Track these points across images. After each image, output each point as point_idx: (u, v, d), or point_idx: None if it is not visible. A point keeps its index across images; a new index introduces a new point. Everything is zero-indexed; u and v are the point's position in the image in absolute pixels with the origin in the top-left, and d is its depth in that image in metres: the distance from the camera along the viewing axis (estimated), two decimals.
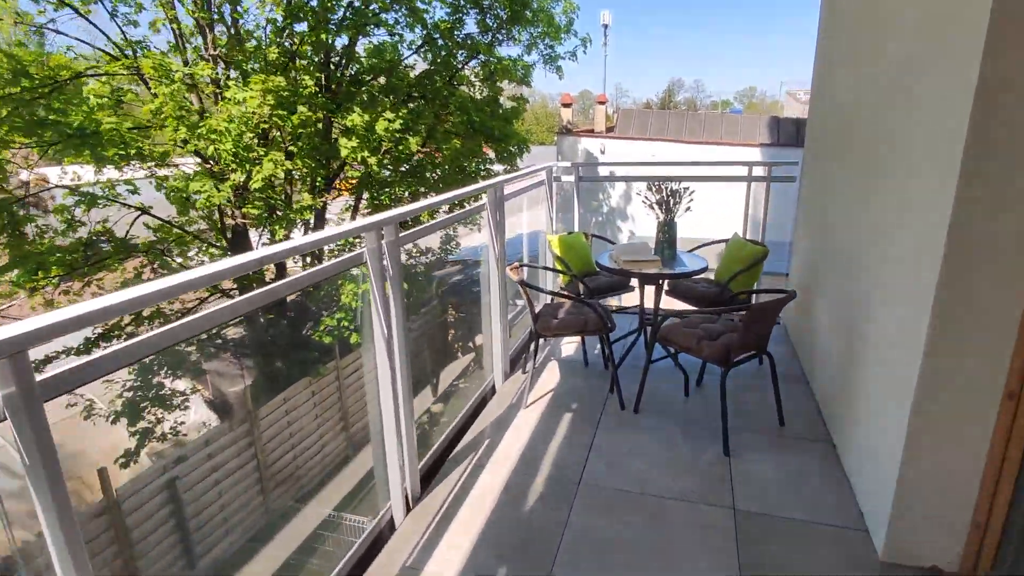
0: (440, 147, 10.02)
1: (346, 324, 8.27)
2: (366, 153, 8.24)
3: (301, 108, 7.39)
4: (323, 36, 7.93)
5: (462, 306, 12.45)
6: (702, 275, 3.97)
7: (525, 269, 3.46)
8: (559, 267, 3.96)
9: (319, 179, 8.31)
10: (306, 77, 7.66)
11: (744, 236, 4.51)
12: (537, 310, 3.40)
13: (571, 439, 3.00)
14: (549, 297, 3.68)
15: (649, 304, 3.62)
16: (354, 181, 8.65)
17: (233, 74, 7.44)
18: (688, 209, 3.42)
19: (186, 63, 6.81)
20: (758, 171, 4.39)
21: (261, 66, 7.04)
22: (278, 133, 7.78)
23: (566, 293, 3.34)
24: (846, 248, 2.87)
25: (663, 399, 3.36)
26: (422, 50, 10.37)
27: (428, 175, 10.10)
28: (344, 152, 7.84)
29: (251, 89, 6.56)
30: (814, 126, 3.88)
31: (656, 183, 3.41)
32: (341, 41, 9.30)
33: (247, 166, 6.73)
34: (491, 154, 12.13)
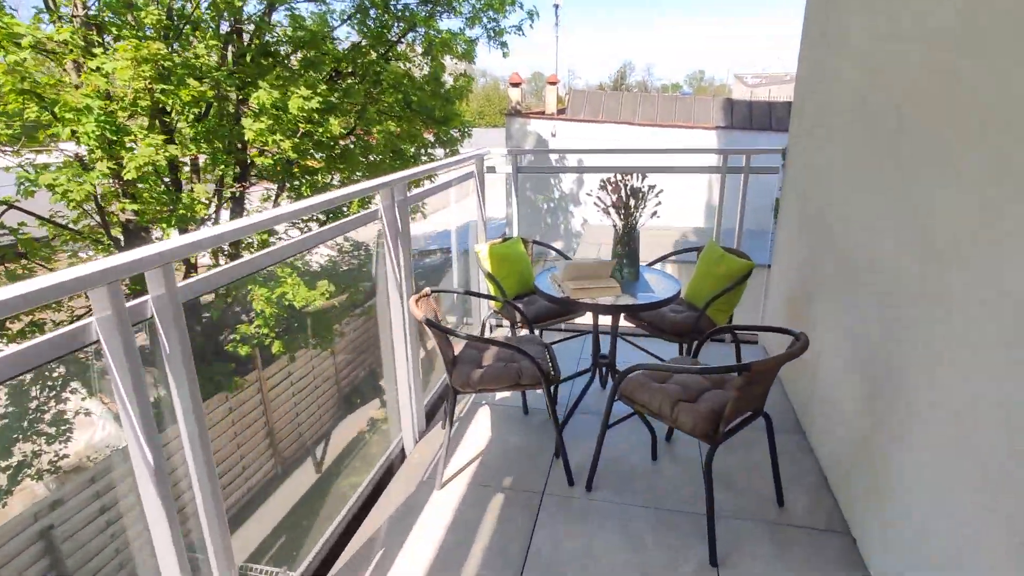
0: (369, 129, 8.91)
1: (265, 332, 7.17)
2: (278, 136, 7.08)
3: (192, 83, 6.17)
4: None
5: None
6: None
7: (435, 298, 2.55)
8: (491, 288, 3.07)
9: (226, 167, 7.10)
10: (199, 46, 6.42)
11: (716, 238, 3.73)
12: (457, 351, 2.51)
13: (501, 539, 2.14)
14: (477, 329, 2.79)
15: (606, 333, 2.78)
16: (267, 168, 7.45)
17: (108, 39, 6.13)
18: (655, 214, 2.59)
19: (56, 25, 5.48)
20: (733, 160, 3.59)
21: (133, 32, 5.76)
22: (171, 114, 6.53)
23: (490, 339, 2.45)
24: (872, 263, 2.10)
25: (624, 467, 2.54)
26: (352, 20, 9.17)
27: (360, 159, 8.98)
28: (249, 135, 6.67)
29: (119, 58, 5.32)
30: (805, 110, 3.10)
31: (612, 180, 2.55)
32: (257, 8, 8.05)
33: (121, 152, 5.51)
34: (432, 137, 11.10)
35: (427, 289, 2.55)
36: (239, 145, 7.24)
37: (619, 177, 2.54)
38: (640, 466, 2.55)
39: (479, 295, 2.81)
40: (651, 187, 2.54)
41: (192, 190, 6.14)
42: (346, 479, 7.57)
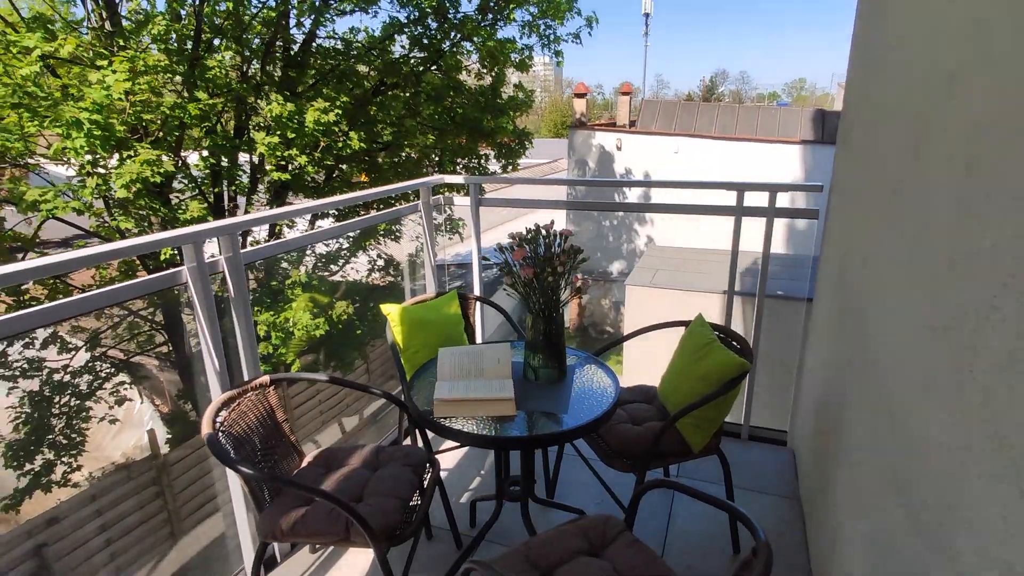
0: (404, 143, 8.42)
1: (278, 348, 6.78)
2: (293, 151, 6.73)
3: (202, 96, 5.92)
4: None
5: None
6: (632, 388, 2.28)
7: (280, 391, 1.83)
8: (404, 364, 2.31)
9: (238, 182, 6.85)
10: (215, 59, 6.18)
11: (728, 301, 2.76)
12: (304, 464, 1.78)
13: None
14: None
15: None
16: (279, 183, 7.13)
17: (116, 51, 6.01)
18: (580, 292, 1.73)
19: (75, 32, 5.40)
20: (753, 199, 2.61)
21: (134, 43, 5.56)
22: (178, 128, 6.33)
23: (291, 480, 1.70)
24: (895, 415, 1.15)
25: None
26: (407, 30, 8.74)
27: (389, 174, 8.53)
28: (261, 148, 6.34)
29: (116, 71, 5.11)
30: (853, 140, 2.10)
31: (528, 231, 1.72)
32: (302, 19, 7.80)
33: (115, 166, 5.30)
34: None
35: (264, 377, 1.85)
36: (255, 160, 6.98)
37: (535, 229, 1.71)
38: None
39: (349, 384, 2.05)
40: (572, 249, 1.69)
41: (186, 208, 5.85)
42: None
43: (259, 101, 6.63)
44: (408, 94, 8.97)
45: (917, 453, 1.08)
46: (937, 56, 1.19)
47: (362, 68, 8.83)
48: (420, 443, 2.18)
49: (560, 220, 15.44)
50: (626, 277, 8.67)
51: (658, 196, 13.16)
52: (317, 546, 2.16)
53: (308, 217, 8.68)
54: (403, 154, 8.79)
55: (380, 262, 9.38)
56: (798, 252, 10.79)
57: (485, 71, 9.68)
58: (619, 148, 14.86)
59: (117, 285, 1.61)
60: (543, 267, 1.69)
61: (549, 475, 2.37)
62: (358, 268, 9.46)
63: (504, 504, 1.96)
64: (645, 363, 2.28)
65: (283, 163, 7.08)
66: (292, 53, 7.82)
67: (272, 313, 6.56)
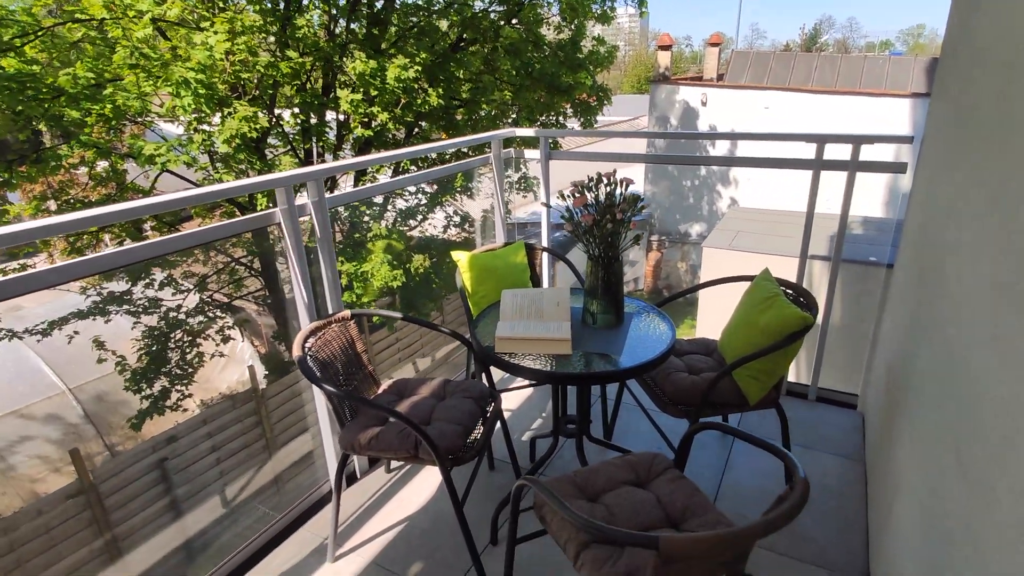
0: (479, 100, 8.46)
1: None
2: (375, 108, 6.97)
3: (292, 54, 6.23)
4: None
5: None
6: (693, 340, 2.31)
7: (355, 323, 2.03)
8: (471, 308, 2.46)
9: (326, 138, 7.21)
10: (304, 18, 6.45)
11: (801, 262, 2.67)
12: (381, 390, 1.99)
13: None
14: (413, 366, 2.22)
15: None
16: (363, 140, 7.42)
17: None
18: (637, 241, 1.76)
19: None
20: (838, 151, 2.47)
21: (232, 5, 5.90)
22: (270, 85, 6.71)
23: (369, 400, 1.88)
24: (966, 378, 1.14)
25: (553, 566, 1.85)
26: None
27: (466, 132, 8.63)
28: (344, 106, 6.62)
29: (216, 32, 5.47)
30: (949, 90, 1.94)
31: (589, 179, 1.77)
32: None
33: (219, 121, 5.75)
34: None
35: (346, 312, 2.05)
36: (341, 117, 7.29)
37: (596, 178, 1.75)
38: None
39: (422, 323, 2.21)
40: (634, 197, 1.72)
41: (280, 162, 6.26)
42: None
43: (344, 59, 6.88)
44: (487, 49, 8.95)
45: (975, 410, 1.07)
46: None
47: (443, 24, 8.88)
48: (485, 381, 2.34)
49: (638, 178, 14.98)
50: (704, 239, 8.41)
51: (743, 152, 12.44)
52: (391, 466, 2.40)
53: (390, 173, 9.02)
54: (481, 111, 8.84)
55: (456, 218, 9.63)
56: (887, 217, 9.96)
57: (565, 24, 9.44)
58: (704, 104, 14.10)
59: (221, 222, 1.83)
60: (603, 214, 1.74)
61: (607, 420, 2.47)
62: (435, 224, 9.76)
63: (562, 441, 2.08)
64: (718, 325, 2.29)
65: (366, 120, 7.36)
66: (376, 10, 7.98)
67: (355, 264, 6.97)
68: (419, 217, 9.22)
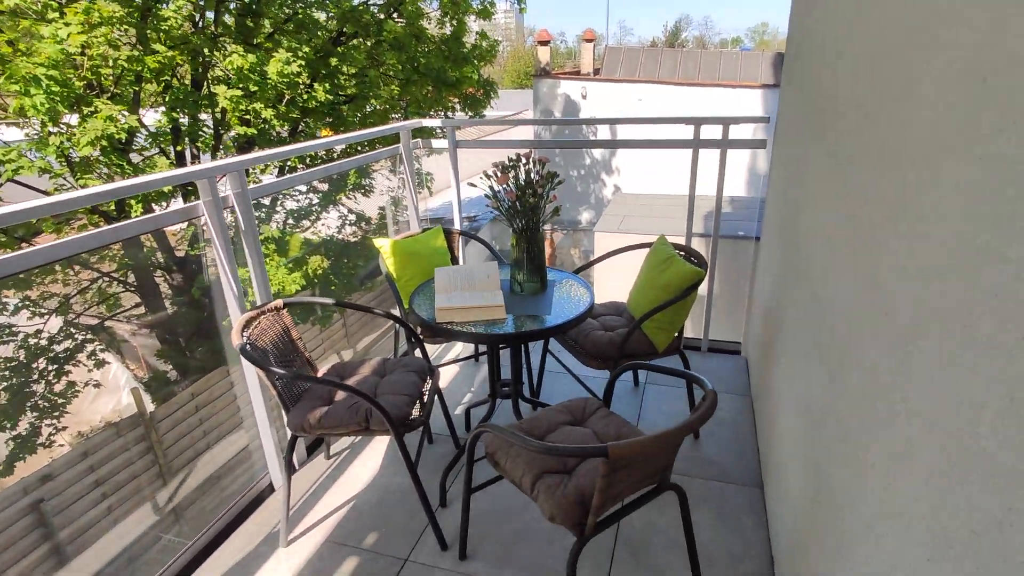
0: (366, 94, 8.34)
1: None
2: (259, 105, 6.66)
3: (160, 48, 5.79)
4: None
5: None
6: (605, 303, 2.57)
7: (286, 313, 2.05)
8: (399, 291, 2.54)
9: (202, 138, 6.77)
10: (170, 7, 6.00)
11: (688, 228, 3.06)
12: (307, 385, 2.03)
13: None
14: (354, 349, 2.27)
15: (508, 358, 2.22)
16: (255, 137, 7.06)
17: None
18: (556, 213, 1.98)
19: None
20: (709, 130, 2.87)
21: None
22: (140, 83, 6.18)
23: (317, 377, 1.94)
24: (828, 308, 1.46)
25: (514, 525, 2.02)
26: None
27: (355, 127, 8.48)
28: (223, 102, 6.27)
29: (68, 22, 4.96)
30: (794, 72, 2.35)
31: (508, 161, 1.95)
32: None
33: (78, 122, 5.22)
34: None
35: (278, 301, 2.06)
36: (218, 114, 6.88)
37: (516, 158, 1.94)
38: (534, 526, 2.02)
39: (355, 307, 2.29)
40: (552, 174, 1.93)
41: (154, 165, 5.81)
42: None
43: (216, 53, 6.49)
44: (370, 44, 8.83)
45: (830, 322, 1.38)
46: None
47: (320, 16, 8.62)
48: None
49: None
50: (594, 225, 8.96)
51: (623, 138, 13.32)
52: (331, 452, 2.43)
53: (276, 173, 8.61)
54: (368, 107, 8.72)
55: (352, 216, 9.42)
56: (753, 196, 11.23)
57: (446, 19, 9.55)
58: (584, 97, 14.87)
59: (139, 218, 1.77)
60: (523, 191, 1.92)
61: (534, 385, 2.68)
62: (328, 225, 9.48)
63: (499, 403, 2.25)
64: (616, 292, 2.58)
65: (247, 117, 7.00)
66: (247, 1, 7.58)
67: (246, 270, 6.63)
68: (312, 217, 8.93)
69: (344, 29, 8.56)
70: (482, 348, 2.92)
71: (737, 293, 4.01)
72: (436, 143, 3.31)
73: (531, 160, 1.92)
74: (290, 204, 8.80)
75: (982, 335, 0.65)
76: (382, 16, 8.74)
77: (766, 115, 2.82)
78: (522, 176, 1.94)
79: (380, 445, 2.51)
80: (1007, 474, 0.59)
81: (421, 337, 2.35)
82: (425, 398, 2.00)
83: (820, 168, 1.65)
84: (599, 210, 14.10)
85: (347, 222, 9.45)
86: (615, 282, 2.56)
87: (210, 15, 7.20)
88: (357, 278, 8.86)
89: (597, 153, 15.48)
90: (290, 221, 8.64)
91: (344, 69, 8.34)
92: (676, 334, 2.31)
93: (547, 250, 15.19)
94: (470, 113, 10.68)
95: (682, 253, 2.40)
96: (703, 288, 2.79)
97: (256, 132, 7.06)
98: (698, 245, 4.89)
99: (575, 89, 15.01)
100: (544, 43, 15.40)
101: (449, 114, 10.13)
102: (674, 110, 13.60)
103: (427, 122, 3.23)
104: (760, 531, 1.96)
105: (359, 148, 8.31)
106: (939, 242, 0.78)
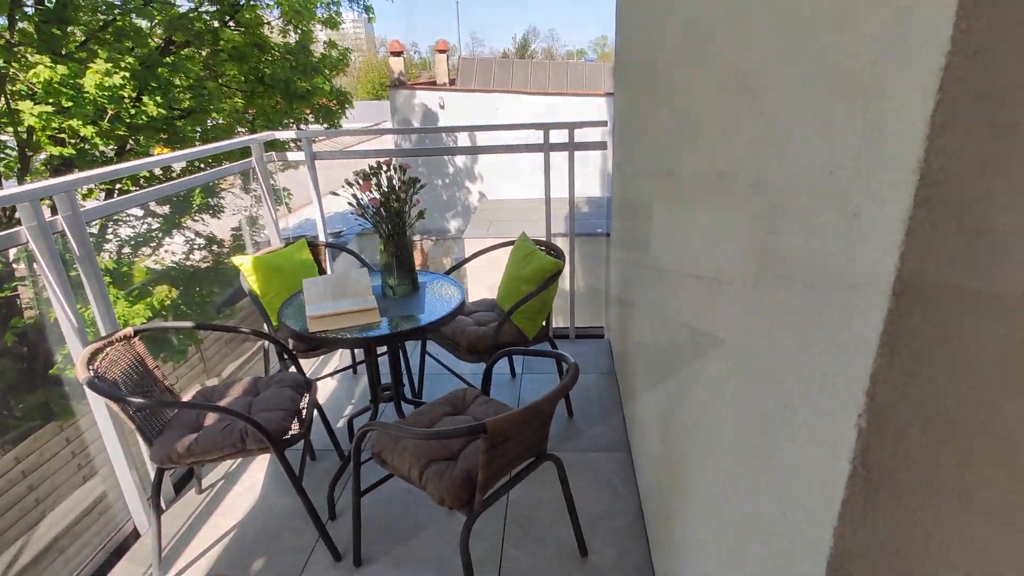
0: (206, 108, 7.76)
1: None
2: (75, 122, 5.92)
3: None
4: None
5: None
6: (475, 301, 2.70)
7: (138, 341, 1.91)
8: (270, 313, 2.44)
9: (3, 160, 5.86)
10: None
11: (547, 227, 3.30)
12: (172, 414, 1.90)
13: None
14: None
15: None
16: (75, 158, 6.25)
17: None
18: (421, 216, 2.06)
19: None
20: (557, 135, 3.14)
21: None
22: None
23: (183, 402, 1.85)
24: (662, 272, 1.70)
25: (408, 523, 2.07)
26: None
27: (196, 143, 7.83)
28: (30, 120, 5.49)
29: None
30: (624, 73, 2.67)
31: (371, 167, 1.99)
32: None
33: None
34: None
35: (127, 329, 1.91)
36: (23, 134, 6.00)
37: (377, 166, 1.99)
38: (429, 519, 2.08)
39: (218, 328, 2.19)
40: (415, 180, 2.01)
41: None
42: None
43: (13, 64, 5.67)
44: (205, 53, 8.23)
45: (665, 292, 1.62)
46: (654, 10, 1.70)
47: (144, 24, 7.86)
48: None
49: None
50: (463, 233, 9.14)
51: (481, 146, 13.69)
52: (203, 486, 2.28)
53: (103, 197, 7.67)
54: (210, 121, 8.10)
55: (200, 240, 8.67)
56: (604, 195, 12.19)
57: (290, 27, 9.19)
58: (442, 107, 15.05)
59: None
60: (387, 197, 1.98)
61: (415, 386, 2.72)
62: (174, 251, 8.64)
63: (382, 408, 2.27)
64: (487, 293, 2.73)
65: (61, 136, 6.18)
66: (49, 6, 6.69)
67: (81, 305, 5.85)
68: (153, 244, 8.08)
69: (173, 37, 7.89)
70: (360, 356, 2.90)
71: (597, 283, 4.38)
72: (292, 156, 3.22)
73: (391, 167, 1.98)
74: (125, 231, 7.89)
75: (766, 284, 0.85)
76: (216, 24, 8.17)
77: (606, 119, 3.15)
78: (384, 183, 2.00)
79: (259, 468, 2.40)
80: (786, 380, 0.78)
81: (294, 352, 2.30)
82: (304, 413, 1.97)
83: (643, 152, 1.91)
84: (467, 217, 14.36)
85: (195, 246, 8.68)
86: (486, 284, 2.70)
87: (2, 20, 6.26)
88: (213, 305, 8.16)
89: (460, 161, 15.74)
90: (126, 250, 7.75)
91: (177, 81, 7.67)
92: (544, 323, 2.49)
93: (418, 259, 15.13)
94: (325, 124, 10.35)
95: (542, 248, 2.60)
96: (566, 282, 3.03)
97: (74, 152, 6.26)
98: (560, 244, 5.30)
99: (432, 99, 15.14)
100: (397, 54, 15.35)
101: (303, 126, 9.74)
102: (530, 118, 14.27)
103: (280, 134, 3.14)
104: (630, 487, 2.20)
105: (201, 165, 7.69)
106: (731, 217, 1.00)
